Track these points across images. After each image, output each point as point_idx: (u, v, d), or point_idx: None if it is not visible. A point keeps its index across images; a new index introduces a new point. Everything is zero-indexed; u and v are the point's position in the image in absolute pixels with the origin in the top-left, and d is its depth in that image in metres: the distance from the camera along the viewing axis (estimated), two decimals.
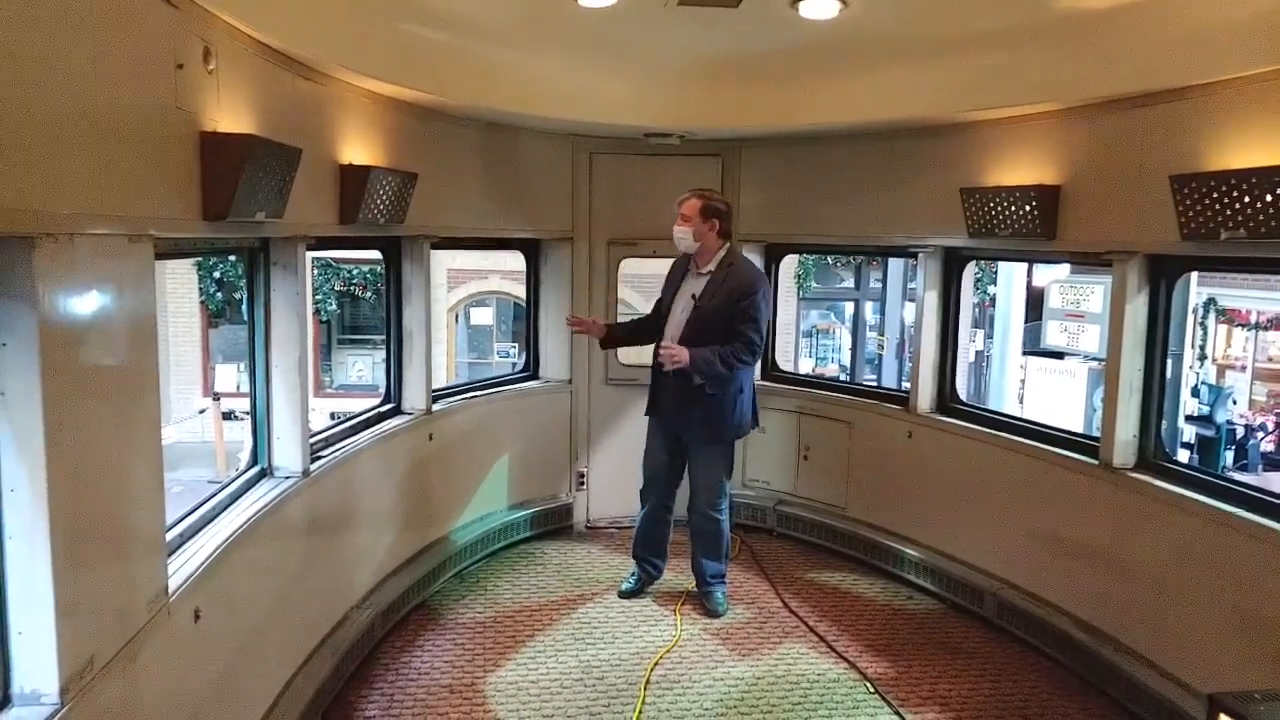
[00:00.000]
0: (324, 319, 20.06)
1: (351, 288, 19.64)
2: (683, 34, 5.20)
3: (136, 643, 2.80)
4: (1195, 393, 14.95)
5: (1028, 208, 5.03)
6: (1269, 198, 3.76)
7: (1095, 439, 5.05)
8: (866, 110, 5.71)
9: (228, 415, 16.52)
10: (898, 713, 4.57)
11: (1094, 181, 4.84)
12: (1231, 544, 4.16)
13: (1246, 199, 3.84)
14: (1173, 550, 4.47)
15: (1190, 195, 4.08)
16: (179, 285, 18.17)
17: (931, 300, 6.07)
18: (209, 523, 3.72)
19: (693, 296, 5.36)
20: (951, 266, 6.05)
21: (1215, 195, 3.97)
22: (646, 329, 5.70)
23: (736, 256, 5.45)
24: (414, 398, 5.80)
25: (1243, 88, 4.00)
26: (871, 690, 4.76)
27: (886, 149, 6.11)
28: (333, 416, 13.74)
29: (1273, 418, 16.43)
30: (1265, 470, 14.94)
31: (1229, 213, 3.92)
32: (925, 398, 6.12)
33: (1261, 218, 3.79)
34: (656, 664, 5.00)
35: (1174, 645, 4.43)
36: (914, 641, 5.31)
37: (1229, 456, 14.42)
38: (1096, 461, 4.88)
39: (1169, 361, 4.87)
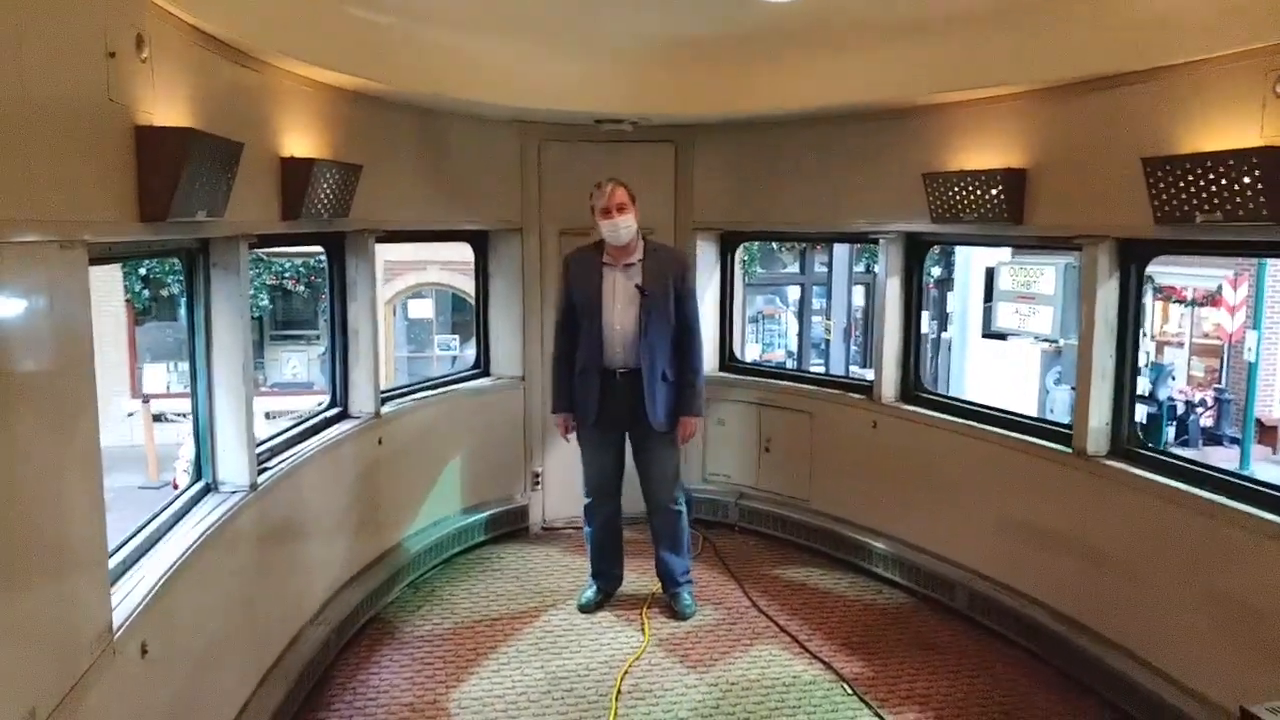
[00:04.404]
0: (256, 315, 19.52)
1: (284, 282, 19.11)
2: (636, 16, 5.01)
3: (81, 688, 2.55)
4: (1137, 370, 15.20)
5: (994, 192, 4.94)
6: (1246, 180, 3.68)
7: (1066, 426, 4.99)
8: (826, 94, 5.57)
9: (158, 418, 15.98)
10: (878, 714, 4.45)
11: (1062, 164, 4.75)
12: (1208, 530, 4.10)
13: (1223, 181, 3.76)
14: (1148, 537, 4.40)
15: (1164, 178, 4.00)
16: (102, 283, 17.49)
17: (894, 287, 5.96)
18: (152, 546, 3.47)
19: (637, 286, 5.18)
20: (913, 253, 5.95)
21: (1190, 178, 3.88)
22: (574, 344, 5.38)
23: (649, 238, 5.37)
24: (361, 400, 5.55)
25: (1214, 68, 3.92)
26: (849, 692, 4.64)
27: (846, 134, 5.98)
28: (268, 416, 13.37)
29: (1211, 393, 16.78)
30: (1205, 445, 15.27)
31: (1204, 195, 3.85)
32: (889, 387, 6.02)
33: (1239, 200, 3.72)
34: (626, 672, 4.82)
35: (1152, 634, 4.37)
36: (887, 638, 5.21)
37: (1170, 432, 14.68)
38: (1069, 449, 4.80)
39: (1140, 345, 4.80)
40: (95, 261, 2.86)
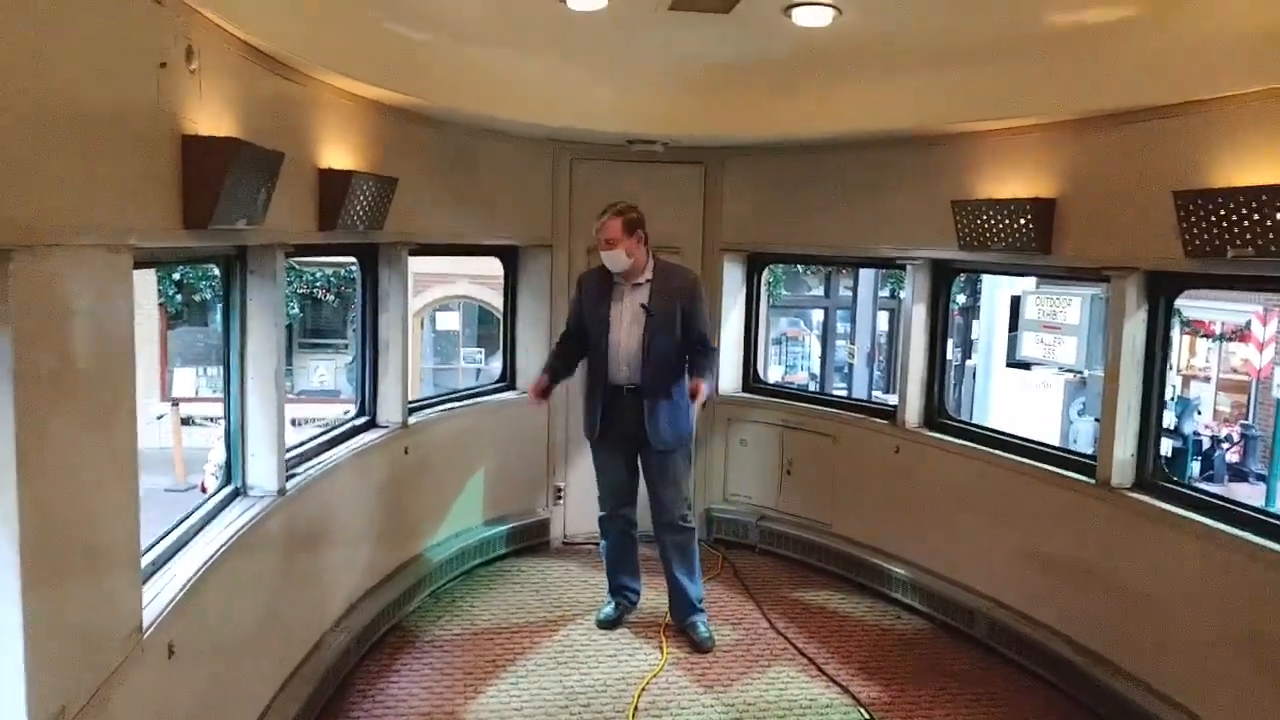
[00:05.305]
0: (286, 323, 19.65)
1: (314, 291, 19.28)
2: (672, 40, 5.07)
3: (109, 686, 2.59)
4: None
5: (1022, 221, 4.94)
6: (1278, 215, 3.68)
7: (1090, 456, 4.98)
8: (857, 120, 5.60)
9: (186, 421, 16.12)
10: None
11: (1091, 196, 4.76)
12: (1232, 565, 4.08)
13: (1256, 216, 3.76)
14: (1173, 572, 4.38)
15: (1195, 212, 4.00)
16: (137, 286, 17.66)
17: (920, 313, 5.97)
18: (182, 548, 3.52)
19: (642, 306, 5.22)
20: (940, 279, 5.96)
21: (1222, 213, 3.88)
22: (575, 354, 5.52)
23: (661, 259, 5.39)
24: (390, 410, 5.61)
25: (1246, 103, 3.92)
26: (866, 716, 4.63)
27: (876, 159, 6.00)
28: (294, 423, 13.46)
29: (1237, 428, 16.62)
30: (1230, 481, 15.12)
31: (1236, 230, 3.84)
32: (913, 412, 6.02)
33: (1271, 235, 3.71)
34: (643, 690, 4.83)
35: (1176, 670, 4.33)
36: (905, 664, 5.20)
37: (1195, 467, 14.54)
38: (1093, 480, 4.79)
39: (1167, 379, 4.79)
40: (138, 266, 2.92)
